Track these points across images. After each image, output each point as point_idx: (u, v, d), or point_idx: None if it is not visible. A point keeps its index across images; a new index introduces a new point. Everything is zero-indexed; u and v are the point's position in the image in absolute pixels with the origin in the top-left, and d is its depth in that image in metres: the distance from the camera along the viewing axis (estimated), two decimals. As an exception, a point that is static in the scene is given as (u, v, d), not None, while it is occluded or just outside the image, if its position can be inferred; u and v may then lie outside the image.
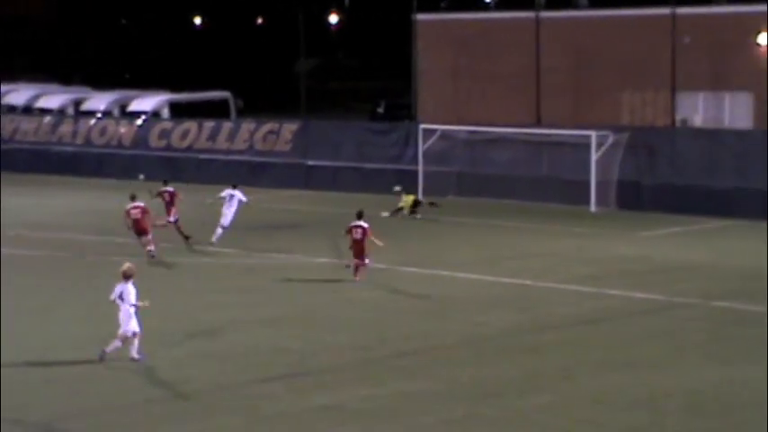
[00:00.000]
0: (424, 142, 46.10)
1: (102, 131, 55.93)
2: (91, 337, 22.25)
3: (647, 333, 22.84)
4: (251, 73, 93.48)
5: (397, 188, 41.10)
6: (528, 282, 28.24)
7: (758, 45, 47.47)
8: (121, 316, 20.18)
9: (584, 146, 42.54)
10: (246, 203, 33.89)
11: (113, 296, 20.33)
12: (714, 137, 42.37)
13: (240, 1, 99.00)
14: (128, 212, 32.16)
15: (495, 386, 18.86)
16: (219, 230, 34.08)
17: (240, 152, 51.54)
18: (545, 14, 51.52)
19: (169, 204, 34.64)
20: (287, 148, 50.61)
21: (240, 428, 16.73)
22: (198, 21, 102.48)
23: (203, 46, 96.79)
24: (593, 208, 42.22)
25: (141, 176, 52.96)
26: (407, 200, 40.47)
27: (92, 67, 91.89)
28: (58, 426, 16.80)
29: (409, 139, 47.53)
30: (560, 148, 44.15)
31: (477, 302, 25.93)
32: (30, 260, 31.51)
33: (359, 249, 27.80)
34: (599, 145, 42.30)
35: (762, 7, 48.07)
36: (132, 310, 20.15)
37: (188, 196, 45.57)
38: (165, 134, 54.03)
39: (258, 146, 51.31)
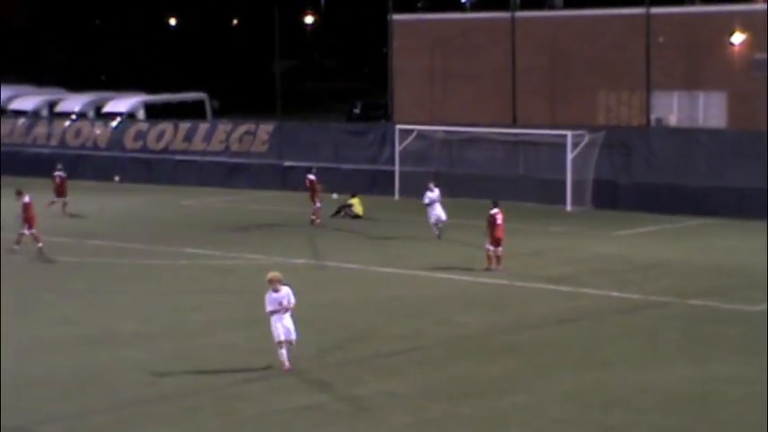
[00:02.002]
0: (401, 142, 46.26)
1: (78, 133, 55.86)
2: (66, 339, 22.31)
3: (623, 332, 23.07)
4: (227, 74, 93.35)
5: (334, 196, 41.78)
6: (505, 281, 28.43)
7: (732, 45, 47.83)
8: (290, 321, 19.60)
9: (559, 145, 42.80)
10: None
11: (270, 307, 19.70)
12: (689, 136, 42.71)
13: (215, 1, 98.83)
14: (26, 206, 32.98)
15: (473, 386, 19.04)
16: None
17: (216, 153, 51.58)
18: (520, 15, 51.70)
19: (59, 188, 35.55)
20: (263, 148, 50.68)
21: (221, 430, 16.85)
22: (173, 21, 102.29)
23: (179, 47, 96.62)
24: (569, 207, 42.46)
25: (117, 178, 52.97)
26: (354, 201, 40.89)
27: (66, 69, 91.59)
28: (35, 429, 16.86)
29: (386, 140, 47.69)
30: (536, 147, 44.38)
31: (454, 303, 26.11)
32: (5, 263, 31.47)
33: (497, 237, 29.36)
34: (575, 144, 42.55)
35: (736, 7, 48.45)
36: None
37: (164, 197, 45.73)
38: (140, 135, 54.01)
39: (234, 147, 51.36)
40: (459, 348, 21.77)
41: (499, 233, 29.43)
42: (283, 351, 19.62)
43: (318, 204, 38.65)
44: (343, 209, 40.86)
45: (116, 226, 39.08)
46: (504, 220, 29.57)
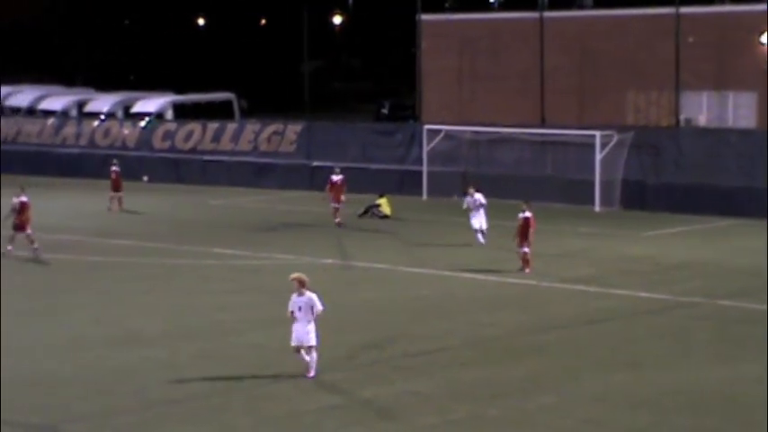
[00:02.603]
0: (429, 143, 46.23)
1: (106, 133, 56.12)
2: (93, 339, 22.42)
3: (652, 332, 22.96)
4: (255, 74, 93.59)
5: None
6: (533, 282, 28.36)
7: (762, 44, 47.54)
8: (310, 327, 19.27)
9: (588, 146, 42.66)
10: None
11: (292, 307, 19.31)
12: (718, 136, 42.49)
13: (244, 2, 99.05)
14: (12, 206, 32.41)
15: (500, 386, 18.99)
16: None
17: (244, 153, 51.70)
18: (549, 14, 51.58)
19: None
20: (291, 148, 50.76)
21: (248, 429, 16.88)
22: (201, 22, 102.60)
23: (207, 47, 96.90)
24: (597, 208, 42.32)
25: (145, 178, 53.17)
26: (382, 201, 40.85)
27: (95, 69, 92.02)
28: (62, 428, 16.94)
29: (414, 140, 47.68)
30: (565, 147, 44.26)
31: (481, 303, 26.07)
32: (35, 262, 31.66)
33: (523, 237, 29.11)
34: (603, 145, 42.41)
35: (766, 6, 48.16)
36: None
37: (192, 197, 45.90)
38: (168, 135, 54.21)
39: (262, 147, 51.48)
40: (486, 349, 21.73)
41: (531, 235, 29.20)
42: (302, 355, 19.35)
43: (337, 205, 38.31)
44: (371, 209, 40.87)
45: (144, 226, 39.24)
46: (530, 224, 29.28)
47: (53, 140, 57.27)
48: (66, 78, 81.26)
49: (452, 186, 45.85)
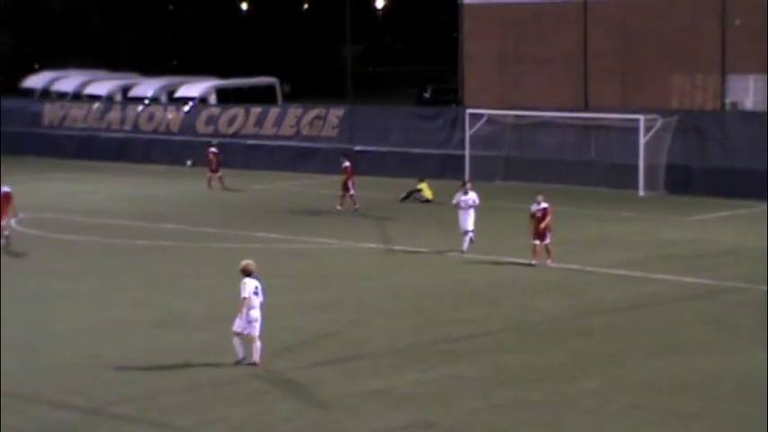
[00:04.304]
0: (471, 127, 46.07)
1: (150, 117, 56.37)
2: (139, 321, 22.55)
3: (697, 317, 22.79)
4: (297, 58, 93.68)
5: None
6: (576, 267, 28.21)
7: (810, 26, 47.02)
8: (254, 314, 19.07)
9: (632, 130, 42.36)
10: None
11: (246, 293, 19.05)
12: (764, 120, 42.00)
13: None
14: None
15: (544, 371, 18.92)
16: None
17: (287, 137, 51.77)
18: (592, -3, 51.30)
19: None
20: (333, 133, 50.76)
21: (289, 413, 16.91)
22: (244, 6, 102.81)
23: (250, 32, 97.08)
24: (641, 192, 42.04)
25: (189, 162, 53.38)
26: (423, 186, 40.73)
27: (140, 54, 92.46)
28: (108, 410, 17.04)
29: (456, 124, 47.53)
30: (608, 131, 43.96)
31: (525, 288, 25.97)
32: (81, 245, 31.90)
33: (542, 230, 28.04)
34: (647, 129, 42.10)
35: (814, -12, 47.58)
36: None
37: (235, 182, 46.04)
38: (212, 120, 54.37)
39: (305, 131, 51.50)
40: (529, 333, 21.65)
41: (544, 226, 28.03)
42: (236, 340, 19.01)
43: (353, 191, 38.10)
44: (413, 193, 40.81)
45: (188, 210, 39.41)
46: (551, 211, 28.32)
47: (98, 125, 57.60)
48: (111, 63, 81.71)
49: (494, 171, 45.70)
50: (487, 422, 16.43)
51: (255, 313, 19.15)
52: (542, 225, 27.98)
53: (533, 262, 27.96)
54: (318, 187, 45.13)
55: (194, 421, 16.48)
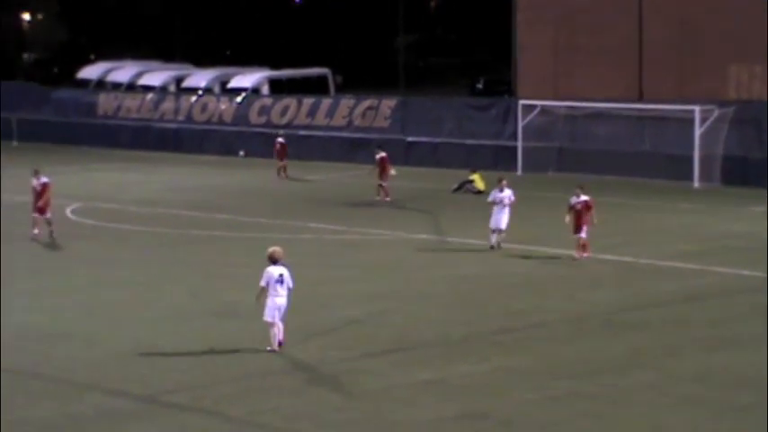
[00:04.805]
0: (524, 118, 45.92)
1: (203, 108, 56.71)
2: (194, 311, 22.68)
3: (754, 311, 22.52)
4: (350, 49, 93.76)
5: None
6: (630, 259, 28.02)
7: None
8: (280, 302, 19.23)
9: (687, 120, 42.03)
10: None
11: (263, 282, 19.24)
12: (823, 110, 41.51)
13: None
14: (33, 188, 30.51)
15: (598, 363, 18.80)
16: None
17: (339, 128, 51.87)
18: (648, -14, 50.85)
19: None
20: (386, 124, 50.78)
21: (341, 403, 16.93)
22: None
23: (302, 22, 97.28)
24: (696, 184, 41.70)
25: (242, 153, 53.69)
26: (475, 177, 40.58)
27: (193, 45, 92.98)
28: (162, 398, 17.16)
29: (509, 115, 47.39)
30: (663, 122, 43.65)
31: (578, 279, 25.82)
32: (135, 235, 32.15)
33: (578, 223, 27.57)
34: (703, 119, 41.73)
35: None
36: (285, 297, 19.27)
37: (287, 172, 46.15)
38: (264, 110, 54.61)
39: (357, 122, 51.57)
40: (583, 325, 21.52)
41: (582, 220, 27.46)
42: (274, 331, 19.16)
43: (385, 183, 37.95)
44: (465, 184, 40.73)
45: (240, 200, 39.59)
46: (592, 206, 27.71)
47: (152, 115, 58.05)
48: (165, 54, 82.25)
49: (547, 162, 45.50)
50: (541, 414, 16.36)
51: (281, 301, 19.28)
52: (585, 218, 27.47)
53: (576, 255, 27.55)
54: (371, 178, 45.12)
55: (247, 411, 16.54)
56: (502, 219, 28.68)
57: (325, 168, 48.00)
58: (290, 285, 19.45)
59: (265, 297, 19.36)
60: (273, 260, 19.38)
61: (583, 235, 27.64)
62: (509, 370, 18.42)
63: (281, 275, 19.30)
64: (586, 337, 20.61)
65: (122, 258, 28.45)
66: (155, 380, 17.98)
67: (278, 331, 19.35)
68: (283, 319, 19.46)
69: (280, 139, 46.49)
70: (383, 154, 38.78)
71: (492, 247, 28.50)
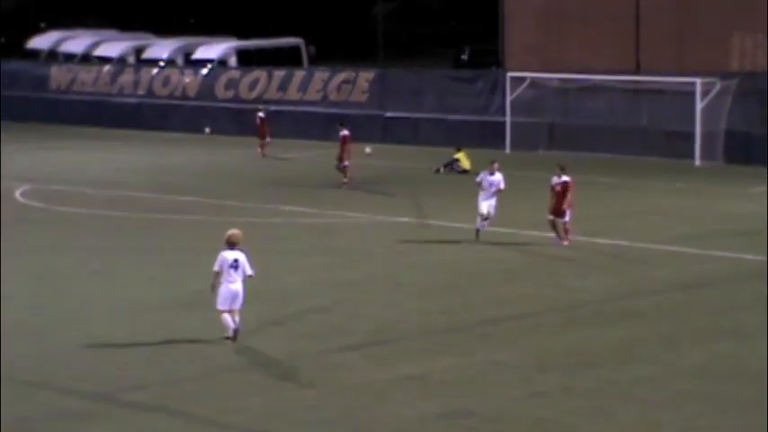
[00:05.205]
0: (512, 91, 45.91)
1: (166, 81, 56.47)
2: (157, 301, 22.63)
3: (758, 299, 22.63)
4: (324, 18, 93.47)
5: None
6: (625, 243, 28.11)
7: None
8: (233, 288, 19.37)
9: (688, 94, 42.11)
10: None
11: (217, 267, 19.39)
12: (833, 83, 41.66)
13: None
14: None
15: (591, 356, 18.87)
16: None
17: (313, 103, 51.75)
18: (645, -51, 50.87)
19: None
20: (363, 98, 50.70)
21: (314, 401, 16.94)
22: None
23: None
24: (697, 162, 41.82)
25: (207, 129, 53.53)
26: (460, 155, 40.58)
27: (154, 12, 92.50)
28: (121, 397, 17.13)
29: (496, 88, 47.37)
30: (662, 96, 43.73)
31: (570, 265, 25.90)
32: (90, 219, 32.04)
33: (557, 205, 27.47)
34: (705, 93, 41.82)
35: None
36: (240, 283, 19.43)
37: (257, 150, 46.04)
38: (232, 84, 54.42)
39: (332, 96, 51.47)
40: (574, 315, 21.59)
41: (562, 202, 27.37)
42: (227, 320, 19.32)
43: (347, 163, 37.61)
44: (449, 164, 40.74)
45: (206, 181, 39.51)
46: (572, 187, 27.64)
47: (109, 89, 57.77)
48: (123, 22, 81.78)
49: (537, 139, 45.53)
50: (530, 411, 16.42)
51: (236, 287, 19.36)
52: (563, 200, 27.34)
53: (557, 239, 27.49)
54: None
55: (213, 410, 16.54)
56: (490, 204, 28.27)
57: (297, 146, 47.93)
58: (247, 272, 19.53)
59: (219, 284, 19.37)
60: (230, 244, 19.54)
61: (566, 219, 27.57)
62: (495, 364, 18.47)
63: (235, 260, 19.41)
64: (578, 327, 20.69)
65: (75, 245, 28.36)
66: (110, 377, 17.95)
67: (232, 321, 19.34)
68: (242, 309, 19.44)
69: (260, 114, 46.51)
70: (346, 132, 38.51)
71: (478, 231, 28.41)
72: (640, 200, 34.86)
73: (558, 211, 27.57)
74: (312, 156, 45.90)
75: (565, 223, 27.65)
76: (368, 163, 41.74)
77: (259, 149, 45.48)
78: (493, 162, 28.87)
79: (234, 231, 19.79)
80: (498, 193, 28.34)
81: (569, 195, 27.57)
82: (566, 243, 27.58)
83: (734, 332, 20.32)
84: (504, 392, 17.13)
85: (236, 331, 19.41)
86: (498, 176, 28.37)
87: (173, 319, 21.30)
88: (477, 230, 28.40)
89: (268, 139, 45.85)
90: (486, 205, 28.20)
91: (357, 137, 48.82)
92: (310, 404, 16.76)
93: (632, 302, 22.54)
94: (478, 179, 28.79)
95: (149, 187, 37.58)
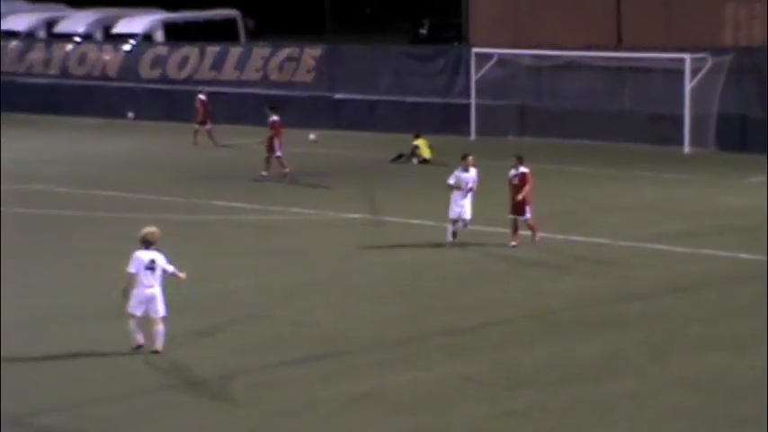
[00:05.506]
0: (478, 70, 46.08)
1: (82, 59, 56.24)
2: (74, 310, 22.53)
3: (756, 303, 22.83)
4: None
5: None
6: (606, 241, 28.29)
7: None
8: (149, 293, 19.47)
9: (676, 72, 42.40)
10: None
11: (132, 268, 19.50)
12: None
13: None
14: None
15: (568, 369, 18.98)
16: None
17: (251, 84, 51.72)
18: None
19: None
20: (309, 78, 50.73)
21: (256, 422, 16.95)
22: None
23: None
24: (686, 149, 42.15)
25: (131, 114, 53.38)
26: (419, 143, 40.71)
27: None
28: (31, 421, 17.06)
29: (459, 67, 47.53)
30: (646, 75, 44.01)
31: (544, 267, 26.03)
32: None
33: (519, 203, 27.38)
34: (695, 70, 42.13)
35: None
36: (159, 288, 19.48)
37: (187, 138, 45.93)
38: (159, 62, 54.28)
39: (274, 76, 51.46)
40: (549, 323, 21.71)
41: (521, 197, 27.34)
42: (132, 326, 19.48)
43: (280, 153, 37.68)
44: (409, 155, 40.79)
45: (130, 173, 39.38)
46: (531, 180, 27.64)
47: (16, 68, 57.46)
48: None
49: (507, 124, 45.69)
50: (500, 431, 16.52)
51: (152, 291, 19.49)
52: (519, 196, 27.35)
53: (512, 243, 27.44)
54: (291, 145, 45.04)
55: (138, 433, 16.51)
56: (465, 206, 27.50)
57: (234, 133, 47.82)
58: (169, 270, 19.68)
59: (133, 287, 19.44)
60: (146, 243, 19.72)
61: (527, 216, 27.52)
62: (459, 379, 18.54)
63: (152, 261, 19.57)
64: (552, 337, 20.79)
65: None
66: (19, 398, 17.84)
67: (156, 333, 19.34)
68: (165, 316, 19.39)
69: (201, 97, 46.51)
70: (276, 117, 38.44)
71: (451, 243, 27.65)
72: (623, 192, 35.07)
73: (518, 209, 27.50)
74: (251, 143, 45.81)
75: (527, 221, 27.63)
76: (314, 152, 41.75)
77: (204, 137, 45.27)
78: (466, 156, 28.09)
79: (150, 229, 19.93)
80: (474, 191, 27.67)
81: (527, 189, 27.48)
82: (536, 240, 27.61)
83: (729, 341, 20.48)
84: (470, 412, 17.20)
85: (140, 345, 19.42)
86: (473, 173, 27.73)
87: (92, 330, 21.21)
88: (450, 241, 27.57)
89: (209, 126, 45.71)
90: (458, 207, 27.47)
91: (302, 122, 48.98)
92: (251, 427, 16.76)
93: (614, 309, 22.68)
94: (451, 180, 27.76)
95: (64, 181, 37.40)
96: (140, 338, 19.55)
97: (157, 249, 19.72)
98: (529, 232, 27.75)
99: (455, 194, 27.59)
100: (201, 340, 20.51)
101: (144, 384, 18.41)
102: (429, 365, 19.19)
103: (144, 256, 19.58)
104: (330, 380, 18.53)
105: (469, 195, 27.61)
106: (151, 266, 19.55)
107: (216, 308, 22.57)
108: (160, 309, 19.54)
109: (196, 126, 45.78)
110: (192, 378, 18.68)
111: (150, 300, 19.49)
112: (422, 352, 19.95)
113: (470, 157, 27.97)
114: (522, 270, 25.77)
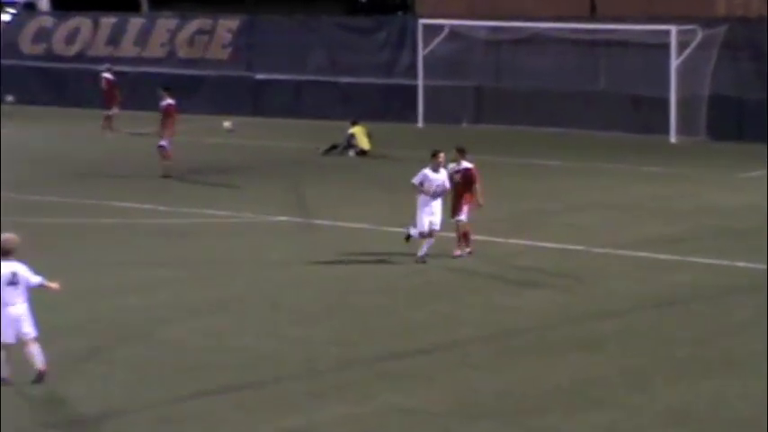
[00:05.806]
0: (426, 45, 46.16)
1: (-49, 33, 55.90)
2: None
3: (755, 319, 23.03)
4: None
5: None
6: (578, 247, 28.46)
7: None
8: (15, 312, 19.09)
9: (660, 47, 42.65)
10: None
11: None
12: None
13: None
14: None
15: (532, 399, 19.08)
16: None
17: (156, 62, 51.61)
18: None
19: None
20: (224, 55, 50.72)
21: (164, 464, 16.99)
22: None
23: None
24: (673, 138, 42.46)
25: (10, 98, 53.09)
26: (356, 130, 40.86)
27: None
28: None
29: (404, 41, 47.64)
30: (625, 50, 44.25)
31: (503, 278, 26.15)
32: None
33: (457, 201, 27.24)
34: (682, 45, 42.41)
35: None
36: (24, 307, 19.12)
37: (79, 126, 45.72)
38: (43, 35, 54.06)
39: (182, 52, 51.39)
40: (509, 345, 21.82)
41: (463, 197, 27.28)
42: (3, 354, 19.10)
43: (164, 143, 37.71)
44: (342, 143, 40.90)
45: (8, 168, 39.13)
46: (479, 178, 27.62)
47: None
48: None
49: (461, 109, 45.84)
50: (451, 474, 16.63)
51: (17, 310, 19.05)
52: (465, 195, 27.25)
53: (456, 252, 27.44)
54: (203, 135, 45.06)
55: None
56: (436, 214, 27.02)
57: (135, 121, 47.68)
58: (32, 282, 19.16)
59: None
60: (4, 253, 19.10)
61: (462, 218, 27.27)
62: (404, 411, 18.61)
63: (13, 275, 19.05)
64: (513, 361, 20.90)
65: None
66: None
67: (32, 354, 19.11)
68: (35, 336, 19.25)
69: (106, 75, 46.64)
70: (170, 101, 38.32)
71: (423, 261, 27.11)
72: (598, 189, 35.26)
73: (457, 209, 27.33)
74: (149, 133, 45.72)
75: (459, 223, 27.32)
76: (229, 142, 41.79)
77: (105, 123, 45.59)
78: (437, 153, 27.28)
79: (6, 235, 19.32)
80: (444, 195, 27.27)
81: (475, 188, 27.38)
82: (458, 253, 27.35)
83: (723, 364, 20.64)
84: (418, 450, 17.31)
85: (5, 380, 18.99)
86: (443, 174, 27.20)
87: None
88: (423, 259, 27.15)
89: (115, 110, 45.55)
90: (427, 216, 26.96)
91: (217, 107, 48.93)
92: (155, 471, 16.79)
93: (587, 327, 22.81)
94: (417, 180, 27.24)
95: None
96: (8, 371, 19.03)
97: (17, 260, 19.27)
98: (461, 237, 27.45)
99: (422, 199, 27.16)
100: (95, 369, 20.44)
101: (21, 425, 18.30)
102: (367, 396, 19.24)
103: (3, 269, 19.00)
104: (252, 413, 18.56)
105: (440, 200, 27.19)
106: (14, 281, 19.02)
107: (113, 330, 22.51)
108: (30, 329, 19.11)
109: (106, 112, 45.84)
110: (73, 415, 18.61)
111: (17, 320, 19.04)
112: (360, 380, 20.01)
113: (441, 155, 27.19)
114: (476, 282, 25.85)
